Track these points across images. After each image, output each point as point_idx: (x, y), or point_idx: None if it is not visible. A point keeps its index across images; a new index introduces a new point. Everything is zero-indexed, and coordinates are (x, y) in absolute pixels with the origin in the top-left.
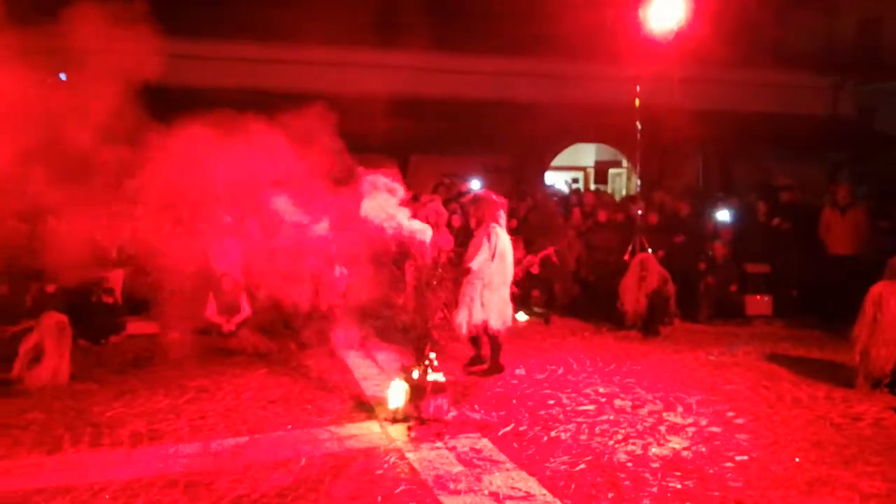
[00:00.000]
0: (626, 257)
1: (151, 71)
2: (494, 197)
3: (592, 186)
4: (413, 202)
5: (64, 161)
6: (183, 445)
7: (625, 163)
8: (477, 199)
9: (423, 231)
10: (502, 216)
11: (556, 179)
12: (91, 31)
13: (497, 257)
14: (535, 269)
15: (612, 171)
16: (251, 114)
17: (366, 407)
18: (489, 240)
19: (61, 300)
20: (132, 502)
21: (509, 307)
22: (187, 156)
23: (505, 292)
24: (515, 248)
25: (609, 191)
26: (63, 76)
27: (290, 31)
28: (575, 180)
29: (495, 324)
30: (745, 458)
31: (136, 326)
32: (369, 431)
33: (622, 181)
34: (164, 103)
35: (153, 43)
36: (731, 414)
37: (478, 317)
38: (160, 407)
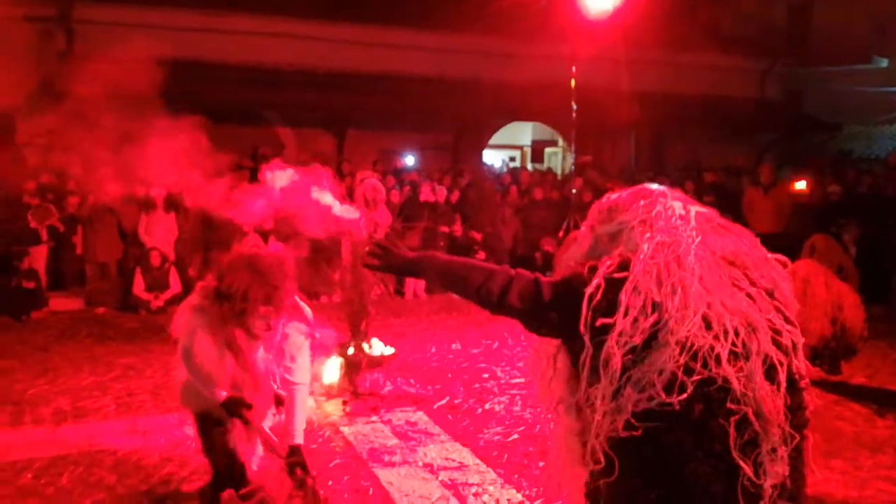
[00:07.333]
0: (561, 234)
1: None
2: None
3: (529, 165)
4: (350, 178)
5: None
6: (109, 423)
7: (560, 142)
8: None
9: (352, 211)
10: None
11: (494, 157)
12: None
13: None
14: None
15: (548, 150)
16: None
17: None
18: None
19: None
20: (57, 480)
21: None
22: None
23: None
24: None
25: (545, 169)
26: None
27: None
28: (512, 158)
29: None
30: None
31: (59, 302)
32: None
33: (558, 160)
34: None
35: None
36: None
37: None
38: (85, 384)
